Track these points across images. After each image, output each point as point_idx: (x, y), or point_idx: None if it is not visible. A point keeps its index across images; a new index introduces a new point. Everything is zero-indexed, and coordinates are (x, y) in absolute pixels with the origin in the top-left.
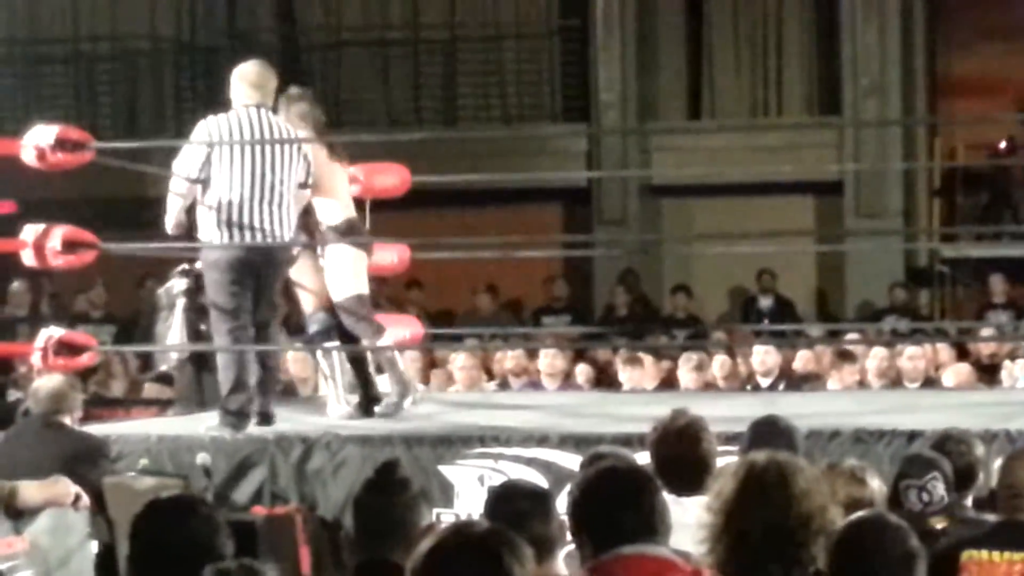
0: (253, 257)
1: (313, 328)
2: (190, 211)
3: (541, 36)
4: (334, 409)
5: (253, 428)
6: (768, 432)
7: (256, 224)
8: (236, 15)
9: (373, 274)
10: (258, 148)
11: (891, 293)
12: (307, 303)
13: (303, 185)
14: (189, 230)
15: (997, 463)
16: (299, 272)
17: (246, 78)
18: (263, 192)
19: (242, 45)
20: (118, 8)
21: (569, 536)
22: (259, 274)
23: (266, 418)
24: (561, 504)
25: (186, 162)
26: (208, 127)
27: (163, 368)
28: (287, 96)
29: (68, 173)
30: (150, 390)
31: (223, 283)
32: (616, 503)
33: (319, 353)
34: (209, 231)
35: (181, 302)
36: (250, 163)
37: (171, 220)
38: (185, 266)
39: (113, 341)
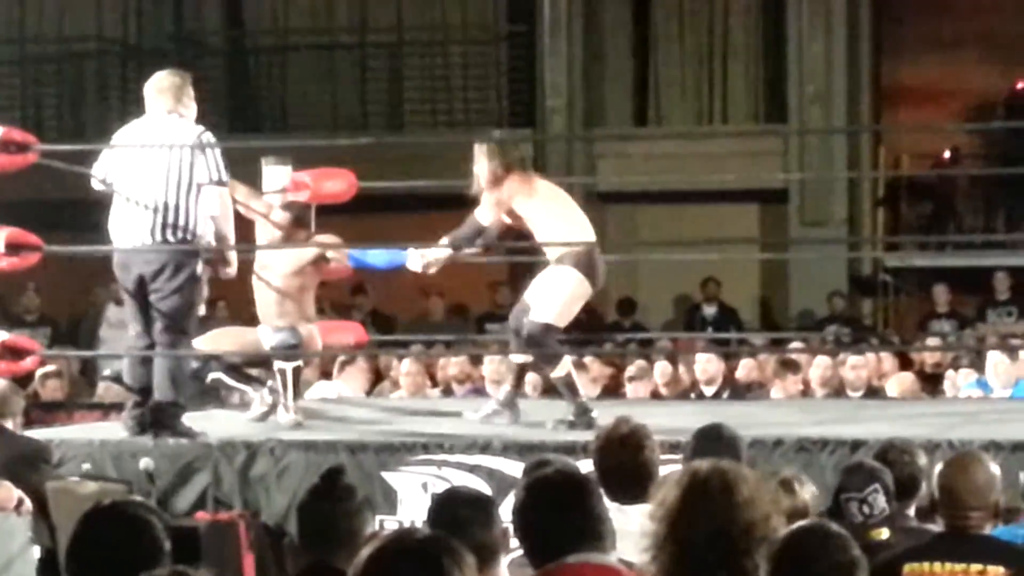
0: (128, 261)
1: (278, 339)
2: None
3: (488, 41)
4: (282, 417)
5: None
6: (712, 441)
7: (135, 229)
8: (183, 18)
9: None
10: (145, 153)
11: (830, 302)
12: (279, 317)
13: (209, 183)
14: None
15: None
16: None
17: (151, 85)
18: (137, 195)
19: (189, 47)
20: (64, 10)
21: (514, 543)
22: (139, 279)
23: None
24: (505, 511)
25: (96, 168)
26: (119, 133)
27: (107, 372)
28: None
29: (12, 175)
30: (105, 391)
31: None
32: (560, 510)
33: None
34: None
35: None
36: (135, 167)
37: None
38: None
39: (50, 344)
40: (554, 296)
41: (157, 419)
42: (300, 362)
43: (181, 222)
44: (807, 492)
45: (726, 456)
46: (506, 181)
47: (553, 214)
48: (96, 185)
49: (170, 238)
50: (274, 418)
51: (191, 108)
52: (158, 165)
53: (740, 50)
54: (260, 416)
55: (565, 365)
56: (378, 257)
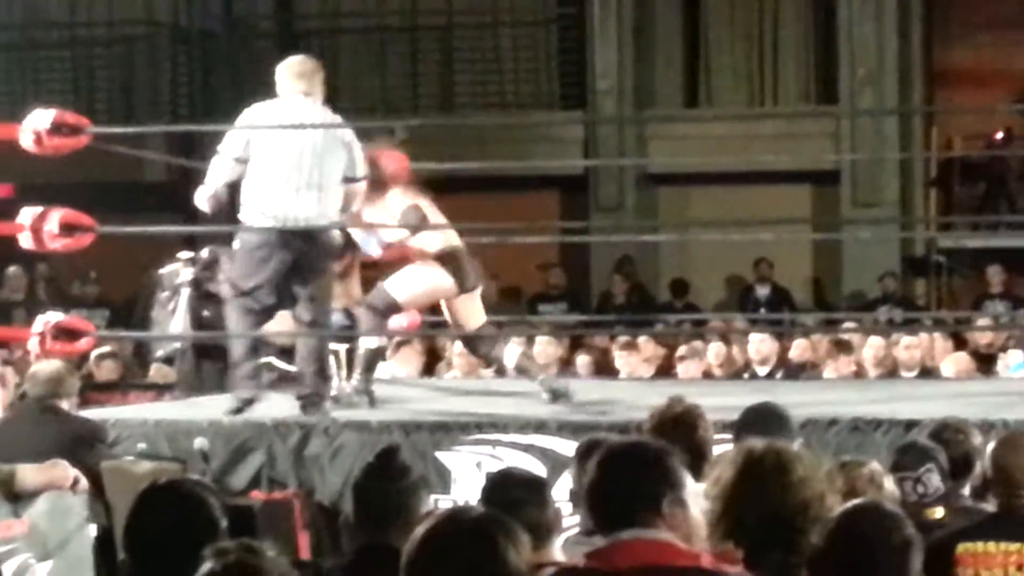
0: (280, 243)
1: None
2: (233, 193)
3: (538, 23)
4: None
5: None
6: (760, 419)
7: (287, 212)
8: (233, 1)
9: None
10: (298, 136)
11: (883, 283)
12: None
13: (351, 179)
14: (229, 209)
15: None
16: None
17: (288, 70)
18: (298, 180)
19: (239, 31)
20: None
21: (567, 522)
22: (289, 261)
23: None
24: (560, 490)
25: (229, 144)
26: (253, 112)
27: (159, 353)
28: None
29: (65, 157)
30: (156, 372)
31: (244, 266)
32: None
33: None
34: (244, 215)
35: (186, 291)
36: (287, 150)
37: (205, 194)
38: (191, 254)
39: (107, 326)
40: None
41: (309, 399)
42: (355, 345)
43: (328, 206)
44: (890, 485)
45: (775, 434)
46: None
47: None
48: (219, 163)
49: (323, 220)
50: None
51: (321, 94)
52: (309, 148)
53: (791, 31)
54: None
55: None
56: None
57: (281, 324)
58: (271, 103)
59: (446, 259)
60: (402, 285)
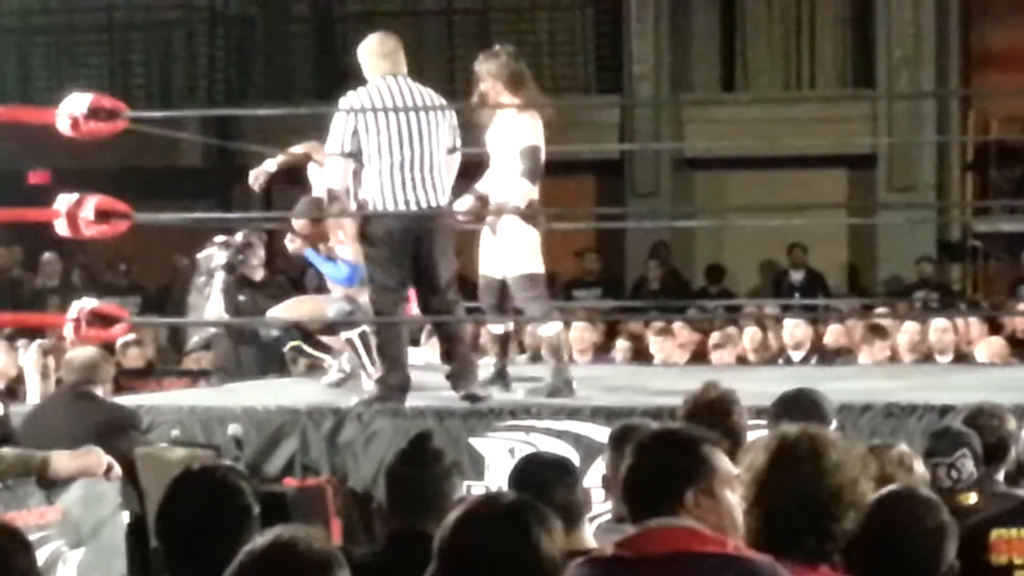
0: (406, 226)
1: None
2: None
3: (575, 7)
4: (367, 384)
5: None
6: (797, 405)
7: (409, 193)
8: None
9: None
10: (402, 116)
11: (919, 267)
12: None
13: (452, 150)
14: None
15: None
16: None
17: (372, 51)
18: (413, 160)
19: (275, 15)
20: None
21: (598, 508)
22: (415, 244)
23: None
24: (591, 477)
25: (334, 138)
26: (349, 101)
27: (195, 339)
28: (484, 54)
29: (101, 142)
30: (198, 359)
31: (375, 255)
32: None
33: (353, 332)
34: (364, 205)
35: (220, 275)
36: (396, 131)
37: (336, 192)
38: (224, 238)
39: (139, 312)
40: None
41: (462, 375)
42: (366, 328)
43: (444, 186)
44: (920, 468)
45: (812, 420)
46: None
47: None
48: (337, 165)
49: (444, 201)
50: (354, 383)
51: (404, 69)
52: (419, 128)
53: (828, 14)
54: (336, 382)
55: (555, 327)
56: (332, 270)
57: (297, 309)
58: (365, 89)
59: None
60: (526, 257)
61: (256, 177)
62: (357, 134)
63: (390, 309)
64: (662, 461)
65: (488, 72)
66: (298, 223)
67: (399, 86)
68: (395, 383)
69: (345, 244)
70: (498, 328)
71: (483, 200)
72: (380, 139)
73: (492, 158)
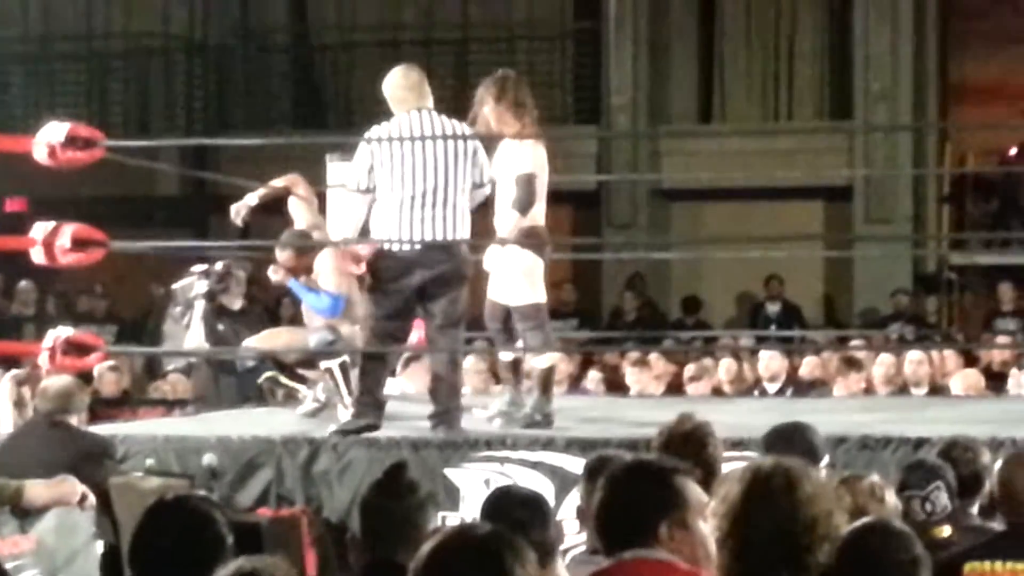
0: (412, 260)
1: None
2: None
3: (554, 38)
4: (342, 415)
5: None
6: (785, 439)
7: (419, 227)
8: (249, 14)
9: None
10: (419, 150)
11: (895, 300)
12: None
13: (479, 185)
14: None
15: None
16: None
17: (396, 84)
18: (425, 193)
19: (254, 44)
20: (131, 6)
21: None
22: (420, 278)
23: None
24: (566, 508)
25: (353, 175)
26: (371, 135)
27: (172, 367)
28: (490, 78)
29: (79, 170)
30: (174, 384)
31: (379, 286)
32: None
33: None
34: (376, 235)
35: (200, 304)
36: (410, 166)
37: (354, 234)
38: (204, 266)
39: (116, 341)
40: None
41: (443, 416)
42: (346, 359)
43: (462, 220)
44: (892, 499)
45: (802, 455)
46: None
47: None
48: (352, 199)
49: (458, 236)
50: (329, 413)
51: (430, 102)
52: (440, 163)
53: (806, 47)
54: (311, 412)
55: (551, 358)
56: (314, 300)
57: (273, 340)
58: (388, 124)
59: None
60: (526, 287)
61: (237, 211)
62: (373, 169)
63: (383, 341)
64: (635, 493)
65: (491, 97)
66: (282, 255)
67: (421, 120)
68: (372, 401)
69: (328, 275)
70: (508, 355)
71: None
72: (394, 172)
73: (496, 185)
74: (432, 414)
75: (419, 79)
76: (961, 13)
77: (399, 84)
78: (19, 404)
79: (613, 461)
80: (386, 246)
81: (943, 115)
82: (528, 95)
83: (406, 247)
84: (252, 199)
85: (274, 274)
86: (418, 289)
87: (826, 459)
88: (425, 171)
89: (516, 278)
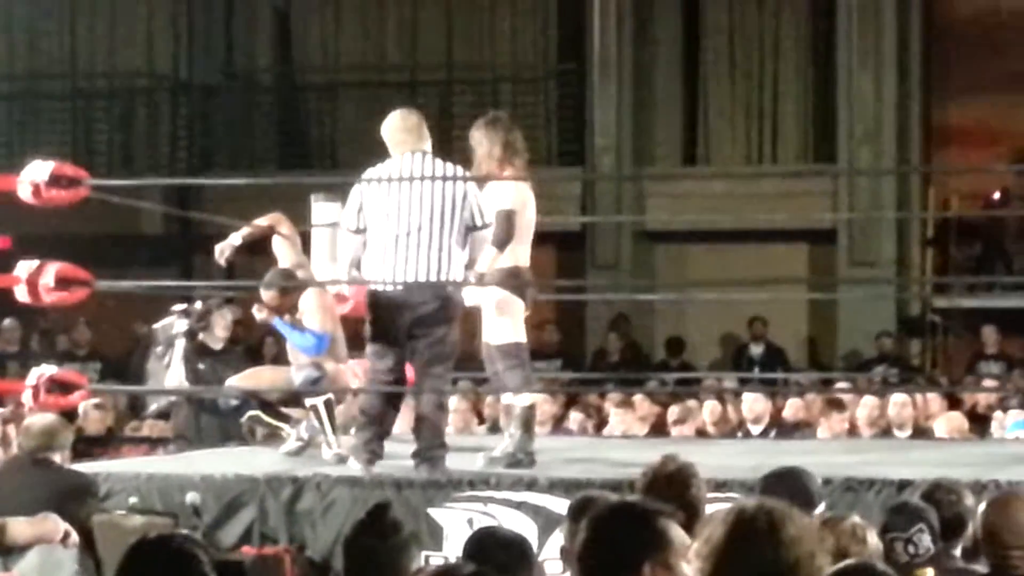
0: (389, 300)
1: (301, 377)
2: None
3: (537, 79)
4: (326, 452)
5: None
6: (781, 483)
7: (402, 266)
8: (233, 54)
9: (352, 315)
10: (406, 190)
11: (878, 342)
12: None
13: (473, 227)
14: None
15: None
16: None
17: (395, 126)
18: (409, 235)
19: (239, 84)
20: (116, 45)
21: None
22: (407, 317)
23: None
24: (549, 549)
25: (346, 215)
26: (365, 175)
27: (154, 406)
28: (481, 119)
29: (63, 209)
30: (151, 426)
31: (369, 326)
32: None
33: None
34: (365, 275)
35: (181, 343)
36: (395, 205)
37: (345, 273)
38: (184, 306)
39: (99, 379)
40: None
41: (426, 455)
42: (331, 396)
43: (447, 262)
44: (873, 540)
45: (797, 500)
46: None
47: None
48: (346, 241)
49: (442, 276)
50: (312, 452)
51: (428, 144)
52: (427, 206)
53: (789, 90)
54: (294, 451)
55: (530, 399)
56: (299, 339)
57: (256, 379)
58: (382, 166)
59: None
60: (506, 326)
61: (222, 251)
62: (363, 208)
63: (381, 379)
64: (619, 533)
65: (484, 138)
66: (266, 294)
67: (412, 162)
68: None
69: (312, 314)
70: (506, 399)
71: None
72: (381, 212)
73: None
74: (415, 453)
75: (418, 122)
76: (944, 57)
77: (397, 127)
78: (3, 442)
79: (597, 502)
80: (373, 287)
81: (926, 159)
82: (519, 137)
83: (390, 288)
84: (236, 239)
85: (258, 312)
86: (407, 329)
87: (822, 506)
88: (411, 211)
89: (496, 317)
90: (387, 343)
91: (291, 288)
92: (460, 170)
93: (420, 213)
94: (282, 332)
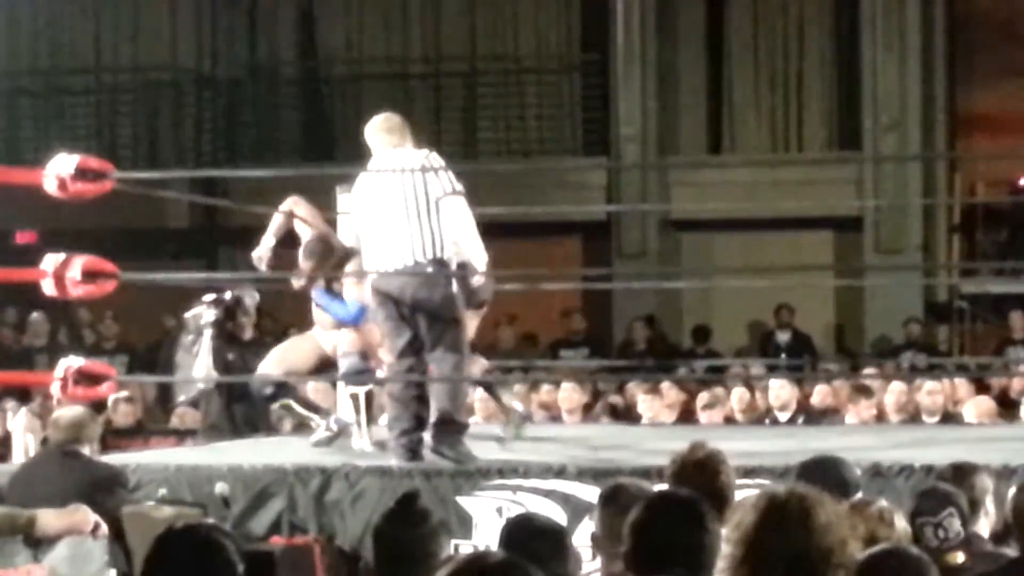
0: (390, 288)
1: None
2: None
3: (562, 70)
4: (356, 442)
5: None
6: (818, 471)
7: (388, 254)
8: (257, 47)
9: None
10: (380, 181)
11: (906, 328)
12: (342, 344)
13: (448, 194)
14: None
15: None
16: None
17: (376, 127)
18: (386, 222)
19: (263, 77)
20: (140, 40)
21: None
22: (406, 304)
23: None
24: (578, 536)
25: (344, 224)
26: (358, 181)
27: (182, 397)
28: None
29: (89, 202)
30: (182, 416)
31: (380, 322)
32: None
33: (350, 387)
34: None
35: (209, 332)
36: (388, 203)
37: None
38: (214, 295)
39: (127, 371)
40: None
41: (441, 437)
42: (372, 388)
43: (430, 242)
44: (901, 524)
45: (833, 489)
46: None
47: None
48: (352, 235)
49: (423, 259)
50: (342, 443)
51: (411, 143)
52: (399, 193)
53: (814, 78)
54: (324, 440)
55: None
56: (339, 308)
57: (287, 356)
58: (370, 167)
59: None
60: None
61: (260, 258)
62: (357, 214)
63: (400, 367)
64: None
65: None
66: (306, 264)
67: (392, 158)
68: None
69: (351, 284)
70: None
71: None
72: (365, 208)
73: None
74: (431, 436)
75: (399, 123)
76: (969, 43)
77: (379, 127)
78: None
79: (628, 489)
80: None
81: (952, 145)
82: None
83: (380, 281)
84: (269, 240)
85: (296, 281)
86: (408, 318)
87: (859, 494)
88: (384, 201)
89: None
90: (400, 332)
91: (327, 256)
92: (429, 155)
93: (395, 202)
94: (320, 302)
